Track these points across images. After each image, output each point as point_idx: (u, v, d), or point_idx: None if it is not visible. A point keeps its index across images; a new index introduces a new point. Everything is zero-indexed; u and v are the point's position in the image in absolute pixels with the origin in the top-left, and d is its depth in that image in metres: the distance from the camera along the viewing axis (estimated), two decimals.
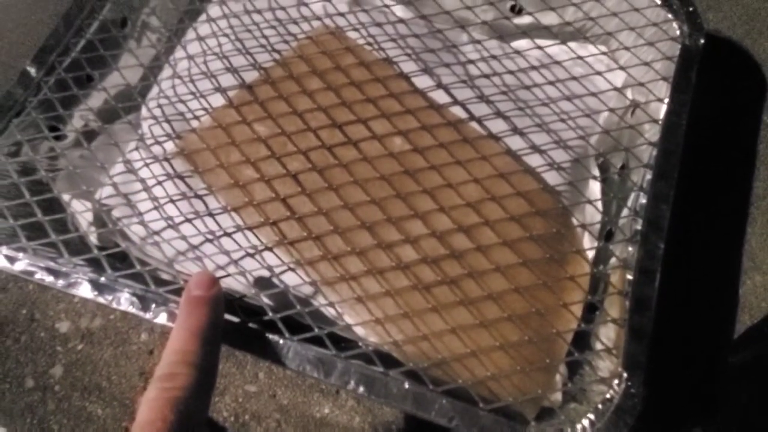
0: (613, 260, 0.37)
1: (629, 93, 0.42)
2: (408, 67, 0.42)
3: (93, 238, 0.38)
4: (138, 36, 0.47)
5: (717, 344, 0.44)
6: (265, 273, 0.35)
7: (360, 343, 0.33)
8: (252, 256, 0.36)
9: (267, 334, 0.33)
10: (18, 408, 0.43)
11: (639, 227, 0.36)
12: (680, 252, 0.39)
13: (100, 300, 0.34)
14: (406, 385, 0.32)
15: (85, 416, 0.43)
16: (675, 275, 0.36)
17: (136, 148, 0.40)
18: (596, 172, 0.40)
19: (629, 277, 0.35)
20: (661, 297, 0.34)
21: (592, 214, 0.38)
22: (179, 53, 0.44)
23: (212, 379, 0.27)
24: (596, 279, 0.37)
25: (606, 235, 0.39)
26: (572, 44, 0.42)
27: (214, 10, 0.45)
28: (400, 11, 0.46)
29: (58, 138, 0.41)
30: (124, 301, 0.34)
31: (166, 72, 0.44)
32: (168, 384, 0.25)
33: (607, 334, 0.34)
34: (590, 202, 0.38)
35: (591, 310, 0.37)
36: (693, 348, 0.43)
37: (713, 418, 0.41)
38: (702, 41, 0.41)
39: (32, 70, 0.41)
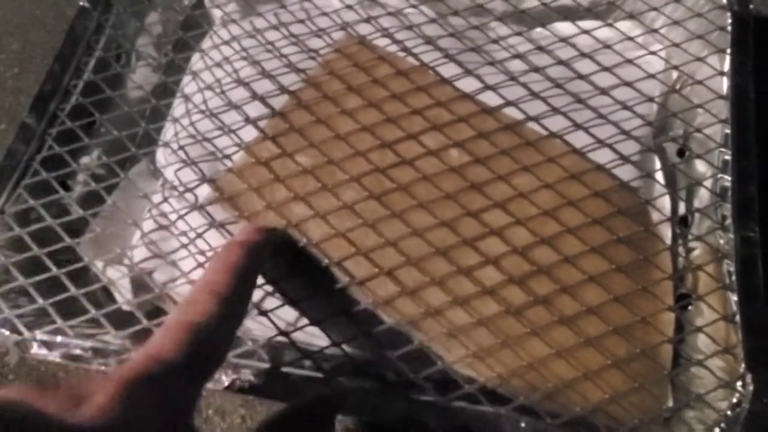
0: (699, 251, 0.35)
1: (686, 69, 0.39)
2: (448, 70, 0.38)
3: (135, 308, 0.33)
4: (134, 68, 0.42)
5: None
6: (342, 320, 0.32)
7: (461, 383, 0.30)
8: None
9: (358, 385, 0.30)
10: None
11: (725, 212, 0.34)
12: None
13: None
14: (523, 424, 0.29)
15: None
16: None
17: (165, 199, 0.36)
18: (664, 159, 0.38)
19: (728, 268, 0.33)
20: None
21: (671, 205, 0.36)
22: (192, 86, 0.40)
23: (236, 316, 0.25)
24: (686, 275, 0.35)
25: (685, 224, 0.37)
26: (618, 24, 0.39)
27: (222, 33, 0.41)
28: (427, 10, 0.42)
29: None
30: None
31: (180, 108, 0.39)
32: (187, 309, 0.23)
33: (717, 333, 0.32)
34: (669, 192, 0.36)
35: (685, 308, 0.35)
36: None
37: None
38: (751, 6, 0.39)
39: (31, 122, 0.37)
